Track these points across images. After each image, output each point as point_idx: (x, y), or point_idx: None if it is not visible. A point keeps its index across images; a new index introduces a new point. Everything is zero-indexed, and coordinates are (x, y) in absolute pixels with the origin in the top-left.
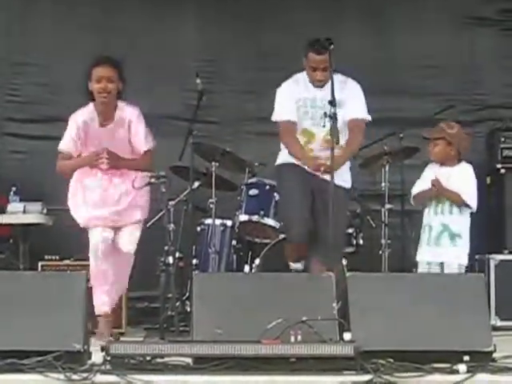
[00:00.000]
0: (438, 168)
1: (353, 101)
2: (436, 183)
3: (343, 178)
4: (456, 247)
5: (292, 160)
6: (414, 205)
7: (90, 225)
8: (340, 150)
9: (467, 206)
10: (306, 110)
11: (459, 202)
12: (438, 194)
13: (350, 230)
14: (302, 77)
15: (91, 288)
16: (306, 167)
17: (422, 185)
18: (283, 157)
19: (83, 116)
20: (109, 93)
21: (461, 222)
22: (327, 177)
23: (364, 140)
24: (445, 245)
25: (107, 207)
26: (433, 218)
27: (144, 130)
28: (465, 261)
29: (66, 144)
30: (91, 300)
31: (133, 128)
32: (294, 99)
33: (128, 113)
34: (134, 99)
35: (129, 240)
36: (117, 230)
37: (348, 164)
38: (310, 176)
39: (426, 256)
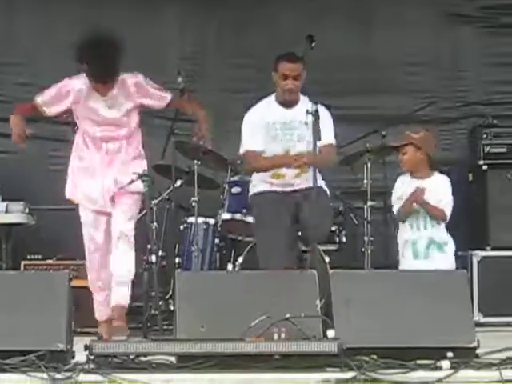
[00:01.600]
0: (410, 180)
1: (323, 128)
2: (418, 196)
3: (323, 185)
4: (444, 254)
5: (263, 188)
6: (400, 221)
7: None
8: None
9: (446, 218)
10: (275, 134)
11: (442, 218)
12: (420, 205)
13: (333, 228)
14: (268, 101)
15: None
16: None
17: (397, 199)
18: (255, 187)
19: (77, 84)
20: (109, 90)
21: (443, 230)
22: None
23: (345, 139)
24: (434, 255)
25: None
26: (417, 233)
27: (153, 88)
28: (454, 265)
29: (41, 98)
30: (78, 300)
31: (143, 88)
32: (262, 126)
33: (131, 78)
34: None
35: (122, 219)
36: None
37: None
38: (287, 196)
39: (415, 267)
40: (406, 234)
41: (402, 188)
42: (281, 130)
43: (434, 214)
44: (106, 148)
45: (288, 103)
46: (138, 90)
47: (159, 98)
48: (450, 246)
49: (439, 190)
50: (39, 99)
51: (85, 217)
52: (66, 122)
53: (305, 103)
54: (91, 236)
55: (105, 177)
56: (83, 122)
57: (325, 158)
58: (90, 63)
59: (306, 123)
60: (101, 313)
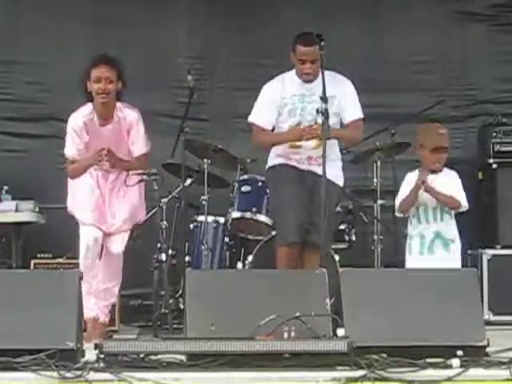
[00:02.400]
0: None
1: (347, 100)
2: (423, 181)
3: (335, 175)
4: (451, 253)
5: (280, 160)
6: (399, 215)
7: (85, 221)
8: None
9: (460, 206)
10: (293, 107)
11: (456, 205)
12: (429, 192)
13: (343, 226)
14: (288, 75)
15: None
16: (298, 162)
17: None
18: (271, 160)
19: (82, 118)
20: (108, 94)
21: (453, 227)
22: (319, 170)
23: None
24: (438, 252)
25: (105, 215)
26: (424, 226)
27: (144, 135)
28: (459, 264)
29: (70, 150)
30: None
31: (133, 133)
32: (277, 101)
33: (128, 116)
34: (126, 97)
35: (119, 243)
36: (108, 233)
37: (340, 164)
38: (301, 173)
39: (419, 264)
40: (414, 228)
41: (413, 183)
42: (300, 103)
43: (447, 203)
44: (105, 178)
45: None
46: (129, 128)
47: (134, 146)
48: (457, 245)
49: (452, 182)
50: (70, 156)
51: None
52: None
53: (326, 76)
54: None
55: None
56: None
57: (345, 133)
58: (93, 62)
59: (316, 122)
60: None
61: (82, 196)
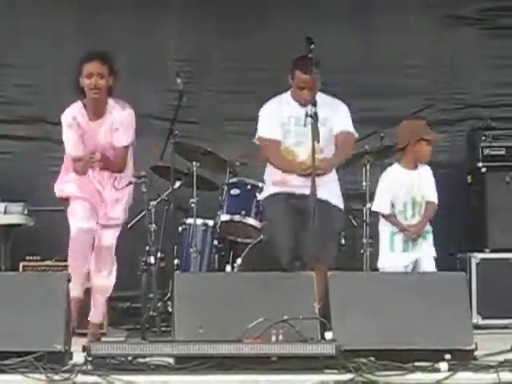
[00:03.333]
0: (406, 172)
1: (340, 116)
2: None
3: (337, 198)
4: (428, 243)
5: (277, 189)
6: (376, 210)
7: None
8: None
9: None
10: (288, 129)
11: (434, 213)
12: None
13: None
14: (285, 96)
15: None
16: (292, 188)
17: (393, 191)
18: (267, 188)
19: (72, 113)
20: (100, 89)
21: None
22: (320, 195)
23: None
24: (420, 244)
25: (98, 209)
26: (410, 222)
27: (129, 130)
28: (434, 253)
29: (73, 149)
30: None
31: (121, 129)
32: (278, 119)
33: (119, 111)
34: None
35: (110, 237)
36: (100, 227)
37: (338, 186)
38: (298, 201)
39: (403, 261)
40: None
41: (397, 179)
42: (295, 126)
43: (431, 218)
44: (94, 175)
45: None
46: (115, 121)
47: (117, 137)
48: (431, 235)
49: (430, 178)
50: (73, 153)
51: (77, 208)
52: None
53: (321, 99)
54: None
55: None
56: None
57: (342, 156)
58: (85, 58)
59: (305, 125)
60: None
61: (74, 188)
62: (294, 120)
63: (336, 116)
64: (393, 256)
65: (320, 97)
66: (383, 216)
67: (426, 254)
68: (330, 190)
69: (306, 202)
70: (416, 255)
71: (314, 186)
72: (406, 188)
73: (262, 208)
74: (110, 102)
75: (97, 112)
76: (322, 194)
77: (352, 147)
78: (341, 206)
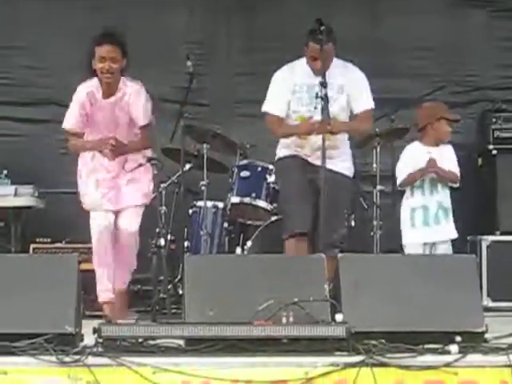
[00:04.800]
0: (427, 149)
1: (358, 92)
2: (434, 164)
3: (345, 165)
4: (449, 222)
5: (289, 152)
6: (401, 188)
7: (93, 209)
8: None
9: (458, 180)
10: (300, 96)
11: (455, 180)
12: (437, 174)
13: None
14: (299, 63)
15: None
16: (306, 155)
17: (413, 166)
18: (279, 151)
19: (87, 88)
20: (112, 73)
21: (449, 196)
22: (329, 165)
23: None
24: (441, 222)
25: (110, 190)
26: (429, 198)
27: (143, 104)
28: (456, 233)
29: (69, 122)
30: (87, 283)
31: (133, 105)
32: (288, 88)
33: (130, 87)
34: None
35: (131, 221)
36: (118, 212)
37: (349, 152)
38: (311, 167)
39: (423, 238)
40: (415, 200)
41: (417, 154)
42: (307, 93)
43: (449, 178)
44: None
45: None
46: (130, 97)
47: (136, 116)
48: (451, 213)
49: (452, 156)
50: (67, 128)
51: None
52: None
53: (336, 67)
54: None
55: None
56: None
57: (355, 126)
58: (97, 41)
59: (316, 108)
60: (104, 294)
61: (88, 182)
62: (306, 87)
63: (353, 89)
64: (414, 232)
65: (335, 64)
66: (403, 184)
67: (443, 237)
68: (343, 164)
69: (317, 173)
70: (435, 236)
71: (324, 162)
72: (425, 164)
73: (274, 167)
74: (122, 79)
75: (109, 91)
76: (336, 167)
77: (371, 123)
78: (350, 175)
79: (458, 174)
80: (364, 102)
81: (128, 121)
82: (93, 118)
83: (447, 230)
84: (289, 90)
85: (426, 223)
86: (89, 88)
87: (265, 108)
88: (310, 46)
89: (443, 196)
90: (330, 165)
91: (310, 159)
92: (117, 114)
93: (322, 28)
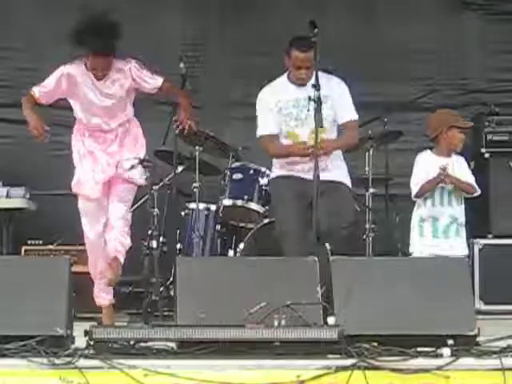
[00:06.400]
0: (435, 157)
1: (343, 102)
2: (446, 171)
3: (343, 179)
4: (462, 238)
5: (283, 172)
6: (415, 198)
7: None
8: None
9: (476, 191)
10: (288, 112)
11: (472, 191)
12: (451, 182)
13: None
14: (279, 81)
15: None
16: (300, 172)
17: (425, 178)
18: (274, 171)
19: (72, 69)
20: (105, 74)
21: (463, 212)
22: (325, 176)
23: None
24: (452, 237)
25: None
26: (439, 209)
27: (149, 73)
28: (467, 250)
29: (40, 90)
30: (79, 285)
31: (137, 78)
32: (273, 106)
33: (125, 64)
34: None
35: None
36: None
37: (345, 168)
38: (306, 185)
39: (430, 249)
40: (427, 210)
41: (429, 165)
42: (294, 108)
43: (464, 188)
44: (104, 137)
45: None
46: (133, 74)
47: (152, 82)
48: (463, 228)
49: (464, 167)
50: (36, 91)
51: (84, 207)
52: (67, 107)
53: (320, 78)
54: (91, 225)
55: (101, 164)
56: (79, 112)
57: (345, 142)
58: (89, 38)
59: (309, 110)
60: (102, 299)
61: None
62: (293, 102)
63: (337, 100)
64: (422, 241)
65: (319, 76)
66: (417, 195)
67: (451, 252)
68: (339, 172)
69: (312, 184)
70: (443, 250)
71: (316, 169)
72: (436, 174)
73: (268, 188)
74: (114, 62)
75: (103, 63)
76: (332, 176)
77: (357, 134)
78: (349, 185)
79: (475, 184)
80: (349, 112)
81: (124, 101)
82: (75, 97)
83: (456, 246)
84: (273, 109)
85: (435, 235)
86: (74, 70)
87: (259, 133)
88: (293, 55)
89: (458, 211)
90: (325, 176)
91: (306, 176)
92: (111, 93)
93: (316, 31)
